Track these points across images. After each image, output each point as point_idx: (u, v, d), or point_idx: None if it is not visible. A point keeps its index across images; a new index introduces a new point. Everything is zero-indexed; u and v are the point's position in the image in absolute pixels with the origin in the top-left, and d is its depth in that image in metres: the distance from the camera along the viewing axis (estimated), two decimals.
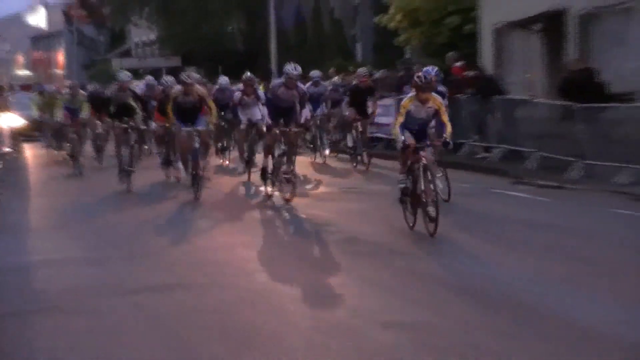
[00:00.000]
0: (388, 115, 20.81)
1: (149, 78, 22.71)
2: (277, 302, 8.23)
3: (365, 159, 19.32)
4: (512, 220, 12.53)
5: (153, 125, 18.20)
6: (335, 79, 24.30)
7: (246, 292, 8.67)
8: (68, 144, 21.39)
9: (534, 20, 22.35)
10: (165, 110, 15.72)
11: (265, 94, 16.54)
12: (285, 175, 14.39)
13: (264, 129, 15.52)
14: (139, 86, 19.17)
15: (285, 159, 14.44)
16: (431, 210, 10.82)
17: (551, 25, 21.90)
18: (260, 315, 7.74)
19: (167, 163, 17.43)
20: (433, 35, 27.26)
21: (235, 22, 47.99)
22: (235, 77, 23.27)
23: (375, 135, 22.10)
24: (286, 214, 13.79)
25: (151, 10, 48.72)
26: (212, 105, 15.51)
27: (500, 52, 23.10)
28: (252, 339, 7.05)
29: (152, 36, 52.84)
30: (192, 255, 10.69)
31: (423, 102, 11.05)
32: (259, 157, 16.61)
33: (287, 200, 14.26)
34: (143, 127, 17.85)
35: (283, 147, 14.49)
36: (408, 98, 11.24)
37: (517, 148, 18.56)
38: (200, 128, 14.99)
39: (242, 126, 18.23)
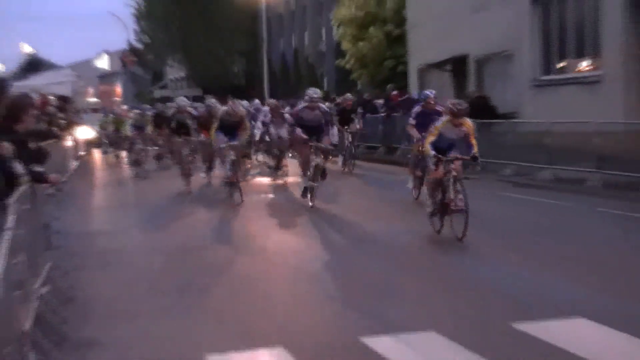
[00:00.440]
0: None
1: (212, 101, 17.28)
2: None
3: (351, 166, 17.10)
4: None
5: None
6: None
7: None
8: (131, 152, 20.21)
9: (446, 62, 22.50)
10: (209, 126, 13.63)
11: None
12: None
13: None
14: (196, 109, 16.36)
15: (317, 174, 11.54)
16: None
17: (457, 66, 22.07)
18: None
19: (208, 169, 15.32)
20: (376, 73, 27.67)
21: (238, 64, 50.31)
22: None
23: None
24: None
25: (180, 56, 51.02)
26: (247, 124, 13.41)
27: (423, 85, 23.00)
28: None
29: (182, 74, 54.98)
30: (224, 230, 10.17)
31: (456, 125, 8.99)
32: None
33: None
34: (196, 139, 14.77)
35: (317, 160, 11.50)
36: (442, 122, 9.10)
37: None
38: (235, 143, 12.50)
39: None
